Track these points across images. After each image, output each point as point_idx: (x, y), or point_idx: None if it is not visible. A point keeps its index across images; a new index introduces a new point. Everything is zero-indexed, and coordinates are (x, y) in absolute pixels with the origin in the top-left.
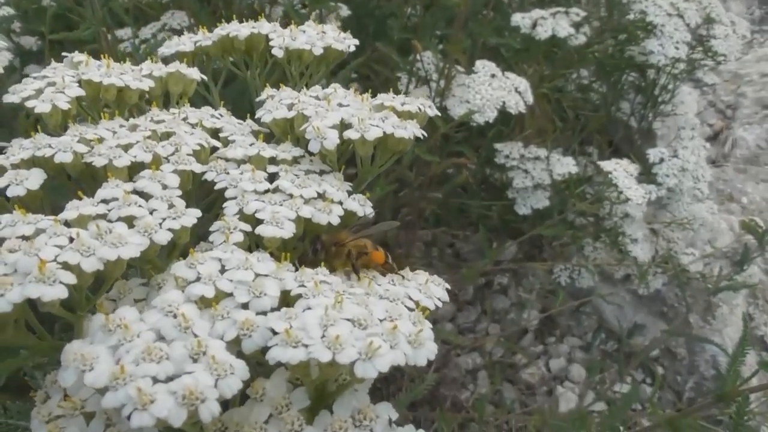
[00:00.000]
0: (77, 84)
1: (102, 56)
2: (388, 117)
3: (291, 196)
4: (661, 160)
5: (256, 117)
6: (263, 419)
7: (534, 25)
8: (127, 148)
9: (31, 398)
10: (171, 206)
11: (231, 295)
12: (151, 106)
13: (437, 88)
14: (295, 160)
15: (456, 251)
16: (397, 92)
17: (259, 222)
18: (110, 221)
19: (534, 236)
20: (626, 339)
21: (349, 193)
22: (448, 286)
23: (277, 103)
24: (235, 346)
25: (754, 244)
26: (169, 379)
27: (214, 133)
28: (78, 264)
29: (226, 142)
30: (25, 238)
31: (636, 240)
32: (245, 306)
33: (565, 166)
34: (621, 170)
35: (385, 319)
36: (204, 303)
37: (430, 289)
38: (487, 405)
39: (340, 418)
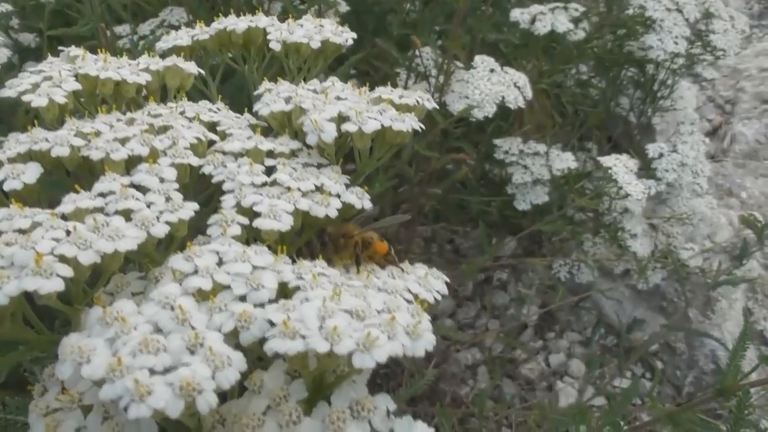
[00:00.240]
0: (74, 78)
1: (99, 51)
2: (386, 110)
3: (289, 189)
4: (661, 155)
5: (254, 110)
6: (261, 411)
7: (533, 21)
8: (124, 141)
9: (30, 393)
10: (168, 199)
11: (228, 287)
12: (148, 100)
13: (436, 83)
14: (293, 153)
15: (455, 247)
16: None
17: (257, 215)
18: (107, 214)
19: (533, 232)
20: (626, 334)
21: (347, 186)
22: (447, 279)
23: (274, 96)
24: (232, 338)
25: (753, 238)
26: (167, 370)
27: (212, 126)
28: (75, 257)
29: (224, 136)
30: (21, 231)
31: (635, 235)
32: (243, 298)
33: (565, 161)
34: (621, 165)
35: (383, 310)
36: (201, 296)
37: (429, 282)
38: (486, 400)
39: (338, 409)
